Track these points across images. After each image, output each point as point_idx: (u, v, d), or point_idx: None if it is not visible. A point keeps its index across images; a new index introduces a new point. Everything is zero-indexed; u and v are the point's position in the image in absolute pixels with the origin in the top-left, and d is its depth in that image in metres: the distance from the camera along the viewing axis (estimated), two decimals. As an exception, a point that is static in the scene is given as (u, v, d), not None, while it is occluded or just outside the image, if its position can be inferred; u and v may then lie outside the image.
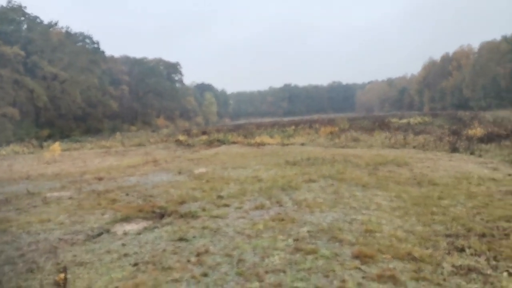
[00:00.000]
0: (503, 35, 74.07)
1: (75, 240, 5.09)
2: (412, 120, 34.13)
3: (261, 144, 22.10)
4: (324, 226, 5.30)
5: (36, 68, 46.87)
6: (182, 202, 7.28)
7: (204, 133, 35.15)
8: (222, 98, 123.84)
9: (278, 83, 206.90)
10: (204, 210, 6.60)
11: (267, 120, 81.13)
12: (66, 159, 19.70)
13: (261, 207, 6.71)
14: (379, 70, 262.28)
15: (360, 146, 18.54)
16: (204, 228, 5.45)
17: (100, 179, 11.21)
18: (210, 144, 25.75)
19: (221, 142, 26.08)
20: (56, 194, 8.80)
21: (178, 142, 28.15)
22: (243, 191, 8.20)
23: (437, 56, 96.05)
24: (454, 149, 15.06)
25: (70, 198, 8.24)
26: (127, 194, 8.36)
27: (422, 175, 9.36)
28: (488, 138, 17.23)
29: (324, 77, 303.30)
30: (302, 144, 21.01)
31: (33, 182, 11.34)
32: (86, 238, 5.20)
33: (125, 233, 5.30)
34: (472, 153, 13.94)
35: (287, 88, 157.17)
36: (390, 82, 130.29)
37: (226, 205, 6.95)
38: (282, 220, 5.72)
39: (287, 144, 21.38)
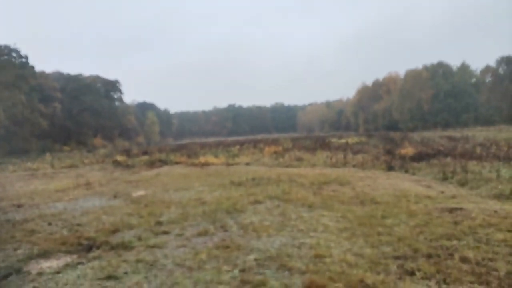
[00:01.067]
0: (424, 64, 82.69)
1: (-27, 286, 4.15)
2: (350, 140, 35.85)
3: (206, 164, 21.48)
4: (272, 253, 4.96)
5: (-50, 81, 41.68)
6: (114, 231, 6.48)
7: (145, 153, 33.48)
8: (165, 117, 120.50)
9: (222, 103, 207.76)
10: (140, 239, 5.90)
11: (211, 140, 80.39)
12: (-20, 183, 17.26)
13: (204, 233, 6.19)
14: (318, 93, 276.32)
15: (304, 165, 18.78)
16: (138, 261, 4.79)
17: (20, 206, 9.81)
18: (151, 164, 24.46)
19: (164, 163, 24.93)
20: (-41, 226, 7.42)
21: (116, 163, 26.35)
22: (185, 216, 7.60)
23: (369, 81, 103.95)
24: (390, 168, 15.84)
25: (-24, 230, 6.97)
26: (49, 224, 7.29)
27: (364, 194, 9.52)
28: (418, 157, 18.44)
29: (267, 98, 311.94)
30: (247, 164, 20.79)
31: None
32: (-13, 282, 4.27)
33: (40, 273, 4.44)
34: (406, 171, 14.73)
35: (231, 109, 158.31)
36: (328, 105, 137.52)
37: (166, 233, 6.32)
38: (227, 247, 5.27)
39: (232, 164, 21.02)
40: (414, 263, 4.32)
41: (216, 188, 11.63)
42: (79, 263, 4.76)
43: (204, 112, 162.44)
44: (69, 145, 63.61)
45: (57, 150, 55.82)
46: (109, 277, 4.23)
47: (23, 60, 56.59)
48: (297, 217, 7.12)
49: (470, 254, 4.57)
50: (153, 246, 5.47)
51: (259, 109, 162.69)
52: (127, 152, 35.63)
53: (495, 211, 6.82)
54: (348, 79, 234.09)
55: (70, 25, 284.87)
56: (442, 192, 9.60)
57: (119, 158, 28.53)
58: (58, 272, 4.45)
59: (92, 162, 29.13)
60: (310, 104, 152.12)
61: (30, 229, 6.80)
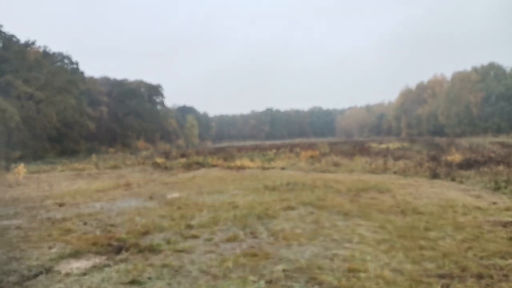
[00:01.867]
0: (473, 66, 77.79)
1: (4, 284, 4.24)
2: (391, 146, 34.36)
3: (241, 168, 21.48)
4: (302, 263, 4.66)
5: (10, 87, 45.25)
6: (145, 233, 6.49)
7: (183, 155, 34.28)
8: (204, 121, 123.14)
9: (260, 107, 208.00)
10: (168, 242, 5.84)
11: (249, 143, 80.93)
12: (32, 182, 18.42)
13: (233, 239, 6.02)
14: (358, 96, 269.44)
15: (341, 170, 18.17)
16: (164, 266, 4.69)
17: (62, 205, 10.25)
18: (188, 167, 24.96)
19: (201, 165, 25.35)
20: (4, 222, 7.83)
21: (156, 165, 27.20)
22: (216, 220, 7.49)
23: (413, 84, 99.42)
24: (435, 175, 14.85)
25: (18, 227, 7.29)
26: (85, 223, 7.49)
27: (405, 203, 8.91)
28: (467, 164, 17.18)
29: (305, 102, 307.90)
30: (283, 168, 20.51)
31: (-16, 208, 10.24)
32: (18, 280, 4.33)
33: (68, 274, 4.47)
34: (453, 180, 13.71)
35: (269, 112, 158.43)
36: (368, 109, 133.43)
37: (195, 237, 6.23)
38: (255, 255, 5.05)
39: (268, 168, 20.84)
40: (461, 284, 3.84)
41: (249, 192, 11.48)
42: (105, 265, 4.76)
43: (242, 116, 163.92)
44: (115, 147, 66.73)
45: (103, 152, 58.75)
46: (133, 282, 4.15)
47: (74, 66, 60.40)
48: (331, 226, 6.76)
49: (529, 277, 4.00)
50: (180, 251, 5.37)
51: (297, 113, 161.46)
52: (166, 155, 36.72)
53: (559, 227, 6.03)
54: (390, 82, 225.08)
55: (116, 32, 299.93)
56: (494, 203, 8.75)
57: (159, 160, 29.40)
58: (84, 274, 4.46)
59: (133, 163, 30.24)
60: (350, 108, 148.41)
61: (66, 228, 7.00)
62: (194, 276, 4.34)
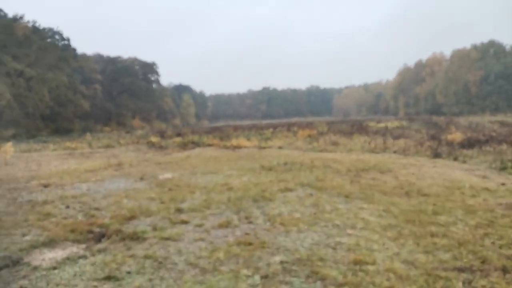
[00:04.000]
0: (473, 44, 76.38)
1: (-39, 280, 3.72)
2: (389, 124, 33.85)
3: (237, 147, 20.95)
4: (302, 254, 4.17)
5: (-1, 63, 43.87)
6: (131, 218, 5.97)
7: (178, 134, 33.63)
8: (200, 100, 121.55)
9: (257, 86, 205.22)
10: (155, 229, 5.33)
11: (245, 122, 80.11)
12: (20, 161, 17.79)
13: (226, 224, 5.53)
14: (356, 75, 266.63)
15: (340, 150, 17.69)
16: (147, 257, 4.17)
17: (46, 186, 9.68)
18: (184, 146, 24.39)
19: (196, 144, 24.79)
20: (-19, 206, 7.28)
21: (150, 144, 26.63)
22: (208, 203, 6.99)
23: (411, 63, 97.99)
24: (436, 154, 14.42)
25: (-6, 211, 6.76)
26: (67, 207, 6.94)
27: (409, 184, 8.45)
28: (468, 144, 16.74)
29: (302, 81, 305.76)
30: (280, 148, 20.01)
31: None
32: (-21, 275, 3.82)
33: (36, 268, 3.93)
34: (455, 159, 13.28)
35: (266, 91, 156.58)
36: (366, 87, 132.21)
37: (184, 222, 5.71)
38: (250, 244, 4.55)
39: (264, 147, 20.33)
40: (485, 279, 3.37)
41: (245, 172, 10.98)
42: (81, 257, 4.22)
43: (238, 95, 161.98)
44: (110, 126, 65.76)
45: (98, 131, 57.86)
46: (108, 278, 3.63)
47: (65, 42, 58.56)
48: (332, 209, 6.27)
49: (559, 270, 3.53)
50: (167, 238, 4.86)
51: (294, 92, 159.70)
52: (162, 134, 36.01)
53: None
54: (388, 60, 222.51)
55: (110, 8, 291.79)
56: (503, 184, 8.30)
57: (153, 139, 28.78)
58: (54, 268, 3.92)
59: (127, 142, 29.61)
60: (347, 87, 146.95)
61: (46, 212, 6.45)
62: (180, 270, 3.84)
